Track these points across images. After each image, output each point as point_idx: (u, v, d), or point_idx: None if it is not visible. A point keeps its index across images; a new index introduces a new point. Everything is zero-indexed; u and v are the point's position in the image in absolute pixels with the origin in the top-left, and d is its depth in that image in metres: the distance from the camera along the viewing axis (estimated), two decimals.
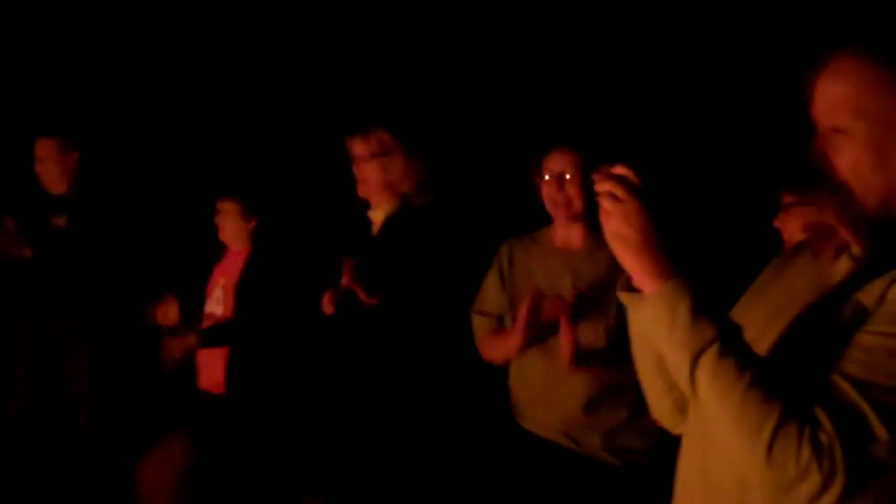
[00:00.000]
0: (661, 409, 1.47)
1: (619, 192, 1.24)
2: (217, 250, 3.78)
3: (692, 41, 3.52)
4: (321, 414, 3.10)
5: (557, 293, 2.59)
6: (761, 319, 1.34)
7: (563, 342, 2.49)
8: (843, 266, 1.31)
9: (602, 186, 1.26)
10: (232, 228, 3.68)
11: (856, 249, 1.29)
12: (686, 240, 1.27)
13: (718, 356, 1.16)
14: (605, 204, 1.25)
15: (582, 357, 2.48)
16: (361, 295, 2.77)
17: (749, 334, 1.31)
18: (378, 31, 3.97)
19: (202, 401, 3.60)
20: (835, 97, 1.27)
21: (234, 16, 4.12)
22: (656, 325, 1.22)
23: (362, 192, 2.93)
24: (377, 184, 2.88)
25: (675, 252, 1.24)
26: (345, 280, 2.81)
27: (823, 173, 1.27)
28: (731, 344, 1.18)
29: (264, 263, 3.59)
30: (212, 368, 3.57)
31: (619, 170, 1.27)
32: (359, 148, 2.89)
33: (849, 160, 1.25)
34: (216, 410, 3.53)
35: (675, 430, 1.46)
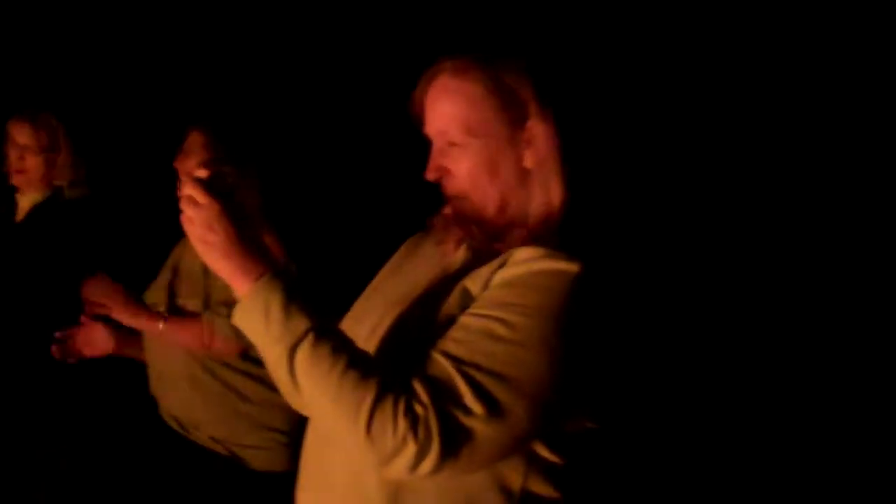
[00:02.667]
0: (291, 395, 1.52)
1: (200, 198, 1.22)
2: None
3: (334, 39, 3.51)
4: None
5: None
6: (386, 304, 1.42)
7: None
8: (461, 256, 1.42)
9: (184, 191, 1.24)
10: None
11: (473, 243, 1.41)
12: (302, 235, 1.30)
13: (313, 346, 1.18)
14: (187, 210, 1.23)
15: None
16: None
17: (372, 319, 1.39)
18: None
19: None
20: (445, 116, 1.35)
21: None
22: (252, 325, 1.22)
23: (18, 181, 2.91)
24: (37, 176, 2.89)
25: (263, 251, 1.25)
26: None
27: (443, 182, 1.38)
28: (324, 333, 1.20)
29: None
30: None
31: (200, 173, 1.24)
32: (26, 137, 2.85)
33: (466, 171, 1.35)
34: None
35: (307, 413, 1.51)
